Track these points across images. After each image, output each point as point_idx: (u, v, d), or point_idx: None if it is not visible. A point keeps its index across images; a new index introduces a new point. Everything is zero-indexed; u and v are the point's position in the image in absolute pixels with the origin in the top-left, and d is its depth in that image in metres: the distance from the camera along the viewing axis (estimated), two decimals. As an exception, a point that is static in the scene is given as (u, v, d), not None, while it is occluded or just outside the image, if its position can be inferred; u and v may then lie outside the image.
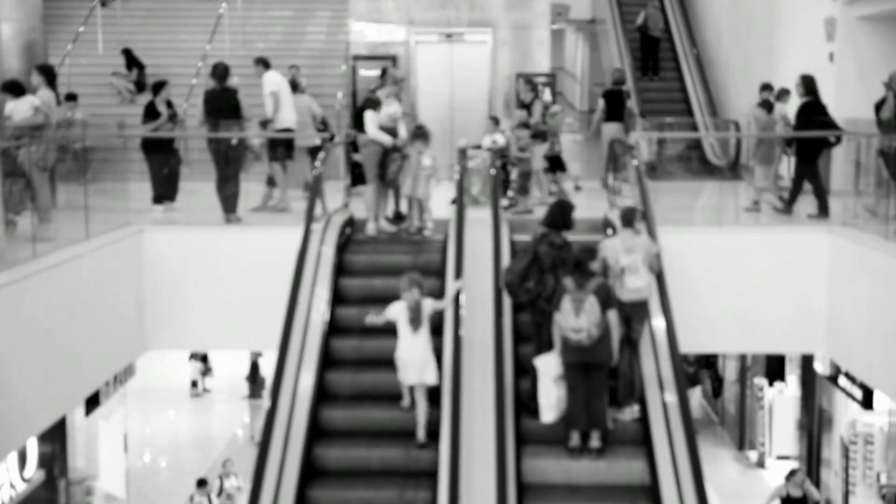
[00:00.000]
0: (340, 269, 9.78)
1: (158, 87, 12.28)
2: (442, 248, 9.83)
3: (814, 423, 14.46)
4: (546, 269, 8.25)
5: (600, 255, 8.24)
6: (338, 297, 9.44)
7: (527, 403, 8.34)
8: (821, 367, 13.41)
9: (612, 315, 7.90)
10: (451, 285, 8.62)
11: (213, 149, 11.17)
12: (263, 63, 12.07)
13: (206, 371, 20.79)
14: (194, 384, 20.56)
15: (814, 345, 11.03)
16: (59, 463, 12.33)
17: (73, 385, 9.30)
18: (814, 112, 11.39)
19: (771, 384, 16.05)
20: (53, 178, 10.49)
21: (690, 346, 9.32)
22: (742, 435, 16.95)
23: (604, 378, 8.00)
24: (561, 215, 8.54)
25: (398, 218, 11.16)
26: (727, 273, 10.18)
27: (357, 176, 11.97)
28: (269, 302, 9.17)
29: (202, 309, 10.32)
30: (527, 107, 12.47)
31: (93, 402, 12.81)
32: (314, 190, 9.97)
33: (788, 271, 10.22)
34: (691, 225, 11.10)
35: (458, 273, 8.76)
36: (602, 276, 8.12)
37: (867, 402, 12.25)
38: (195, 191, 12.27)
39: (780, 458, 15.61)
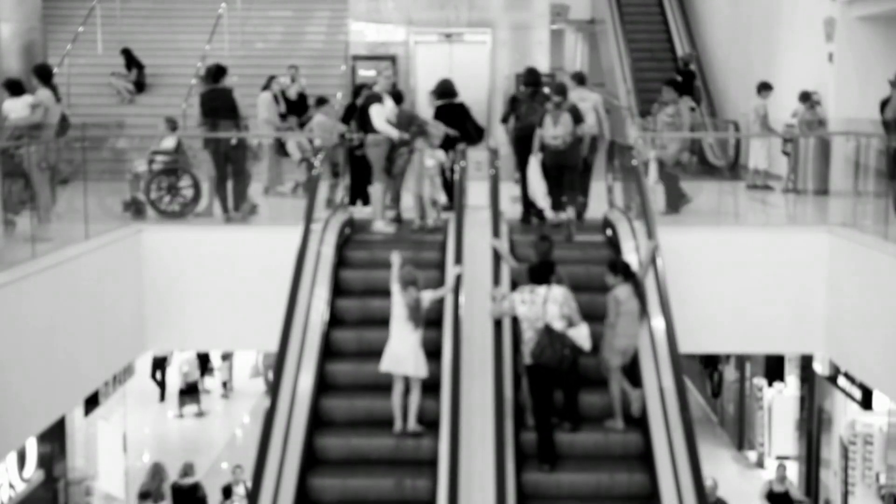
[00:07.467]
0: (340, 266, 9.79)
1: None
2: (441, 246, 9.86)
3: (813, 423, 14.45)
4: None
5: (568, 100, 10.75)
6: (338, 290, 9.50)
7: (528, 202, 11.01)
8: (820, 367, 13.40)
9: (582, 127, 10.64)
10: (451, 271, 8.75)
11: (212, 149, 11.16)
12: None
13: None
14: (225, 385, 20.06)
15: (813, 345, 11.03)
16: (58, 463, 12.31)
17: (73, 385, 9.30)
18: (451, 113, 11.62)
19: (770, 384, 16.04)
20: (53, 178, 10.47)
21: (690, 346, 9.32)
22: (741, 435, 16.94)
23: (576, 176, 10.71)
24: (534, 77, 11.31)
25: (397, 220, 11.14)
26: (727, 273, 10.18)
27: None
28: (268, 302, 9.18)
29: (202, 309, 10.32)
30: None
31: (92, 402, 12.78)
32: (313, 190, 9.96)
33: (788, 271, 10.23)
34: (691, 225, 11.08)
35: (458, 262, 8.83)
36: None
37: (866, 403, 12.24)
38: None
39: (779, 458, 15.57)
